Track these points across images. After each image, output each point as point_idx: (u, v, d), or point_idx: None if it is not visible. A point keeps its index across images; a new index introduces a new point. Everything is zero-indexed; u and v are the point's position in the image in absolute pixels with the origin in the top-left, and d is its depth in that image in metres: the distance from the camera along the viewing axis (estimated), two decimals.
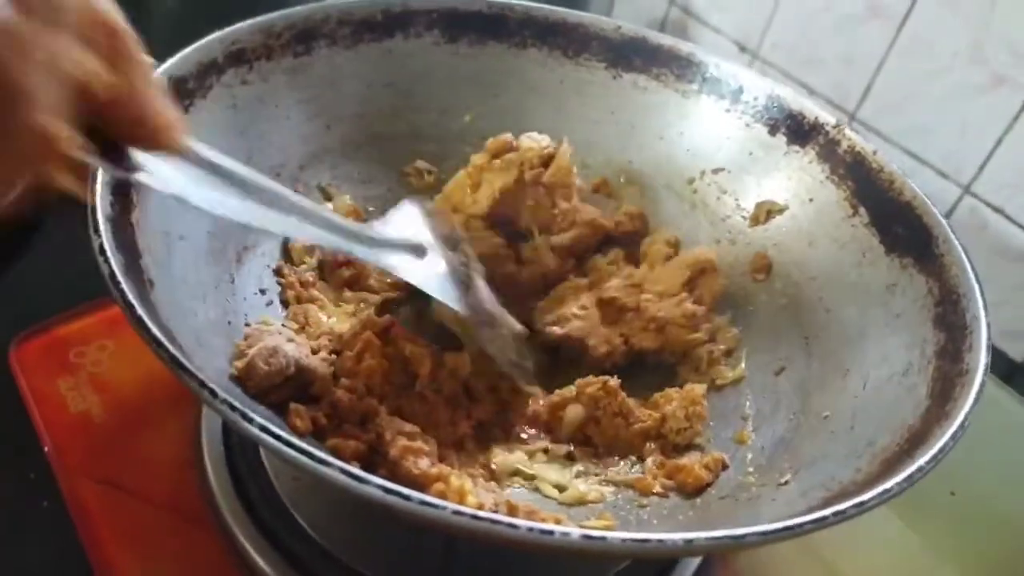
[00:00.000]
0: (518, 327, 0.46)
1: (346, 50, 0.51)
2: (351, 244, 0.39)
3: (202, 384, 0.30)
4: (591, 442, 0.45)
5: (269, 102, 0.48)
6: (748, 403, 0.46)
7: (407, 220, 0.45)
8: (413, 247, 0.43)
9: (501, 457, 0.43)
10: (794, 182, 0.51)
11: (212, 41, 0.45)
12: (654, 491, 0.41)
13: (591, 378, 0.45)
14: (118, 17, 0.28)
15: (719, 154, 0.54)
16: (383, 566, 0.43)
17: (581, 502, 0.41)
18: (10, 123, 0.23)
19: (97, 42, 0.26)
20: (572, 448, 0.45)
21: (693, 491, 0.41)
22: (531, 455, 0.43)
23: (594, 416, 0.44)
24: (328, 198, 0.52)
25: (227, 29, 0.46)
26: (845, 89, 0.76)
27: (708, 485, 0.41)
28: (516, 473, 0.42)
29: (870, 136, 0.75)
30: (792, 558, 0.49)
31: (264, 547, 0.43)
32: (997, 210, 0.68)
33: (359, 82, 0.52)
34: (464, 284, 0.45)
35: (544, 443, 0.44)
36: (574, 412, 0.44)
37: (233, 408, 0.29)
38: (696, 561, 0.46)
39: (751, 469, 0.41)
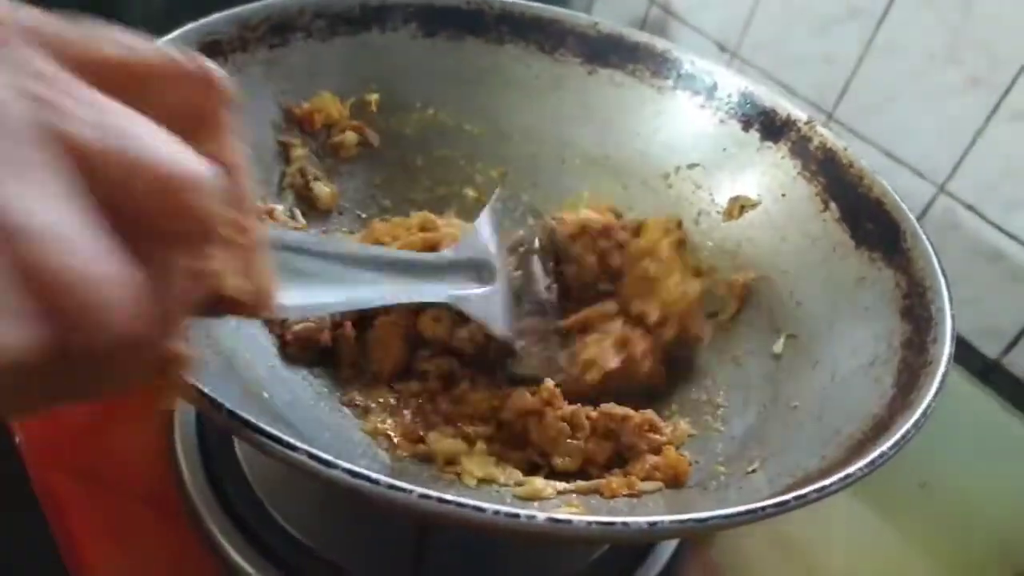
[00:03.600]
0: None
1: (322, 43, 0.51)
2: (418, 286, 0.41)
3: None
4: (528, 439, 0.43)
5: (245, 94, 0.48)
6: (721, 394, 0.46)
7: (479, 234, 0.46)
8: (478, 267, 0.45)
9: (438, 439, 0.42)
10: (767, 178, 0.51)
11: (187, 32, 0.45)
12: (623, 494, 0.40)
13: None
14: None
15: (694, 150, 0.54)
16: (356, 555, 0.43)
17: (536, 497, 0.40)
18: (130, 357, 0.19)
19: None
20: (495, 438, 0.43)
21: (676, 481, 0.41)
22: (471, 443, 0.42)
23: (540, 410, 0.42)
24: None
25: (202, 20, 0.45)
26: (823, 89, 0.77)
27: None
28: (451, 462, 0.41)
29: (847, 136, 0.75)
30: (765, 548, 0.50)
31: (238, 540, 0.43)
32: (971, 208, 0.68)
33: (335, 75, 0.52)
34: (517, 297, 0.46)
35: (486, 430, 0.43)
36: (521, 397, 0.42)
37: (202, 394, 0.29)
38: (669, 551, 0.46)
39: (721, 458, 0.41)
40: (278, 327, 0.44)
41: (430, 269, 0.43)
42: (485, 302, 0.44)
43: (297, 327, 0.44)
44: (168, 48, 0.21)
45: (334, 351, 0.45)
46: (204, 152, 0.21)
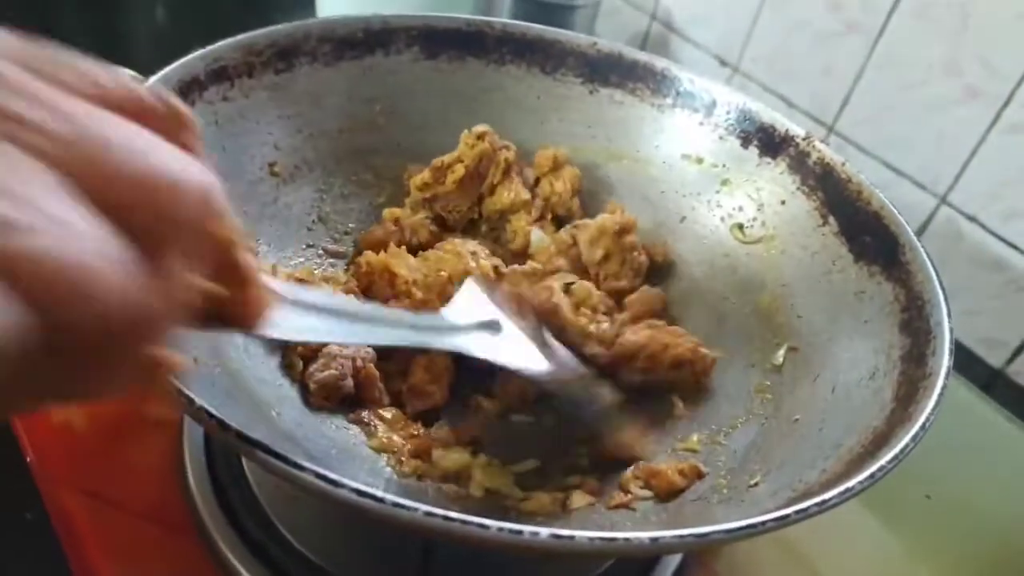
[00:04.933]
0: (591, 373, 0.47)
1: (327, 67, 0.52)
2: (427, 338, 0.40)
3: (178, 391, 0.30)
4: None
5: (251, 118, 0.49)
6: (724, 407, 0.47)
7: (472, 300, 0.44)
8: (487, 325, 0.43)
9: (443, 455, 0.43)
10: (766, 193, 0.52)
11: (194, 59, 0.46)
12: (619, 504, 0.41)
13: None
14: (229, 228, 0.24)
15: (694, 166, 0.55)
16: (364, 571, 0.43)
17: (540, 511, 0.41)
18: (121, 352, 0.19)
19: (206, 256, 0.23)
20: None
21: (667, 496, 0.42)
22: (474, 454, 0.43)
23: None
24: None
25: (209, 47, 0.46)
26: (823, 102, 0.77)
27: (682, 490, 0.42)
28: (458, 476, 0.42)
29: (848, 148, 0.76)
30: (773, 558, 0.50)
31: (246, 556, 0.43)
32: (972, 219, 0.69)
33: (341, 98, 0.53)
34: (544, 346, 0.45)
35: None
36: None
37: (211, 416, 0.30)
38: (675, 563, 0.46)
39: (723, 472, 0.42)
40: (300, 375, 0.45)
41: (438, 329, 0.42)
42: (511, 351, 0.43)
43: (320, 375, 0.44)
44: (132, 82, 0.21)
45: (358, 396, 0.45)
46: None
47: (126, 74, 0.21)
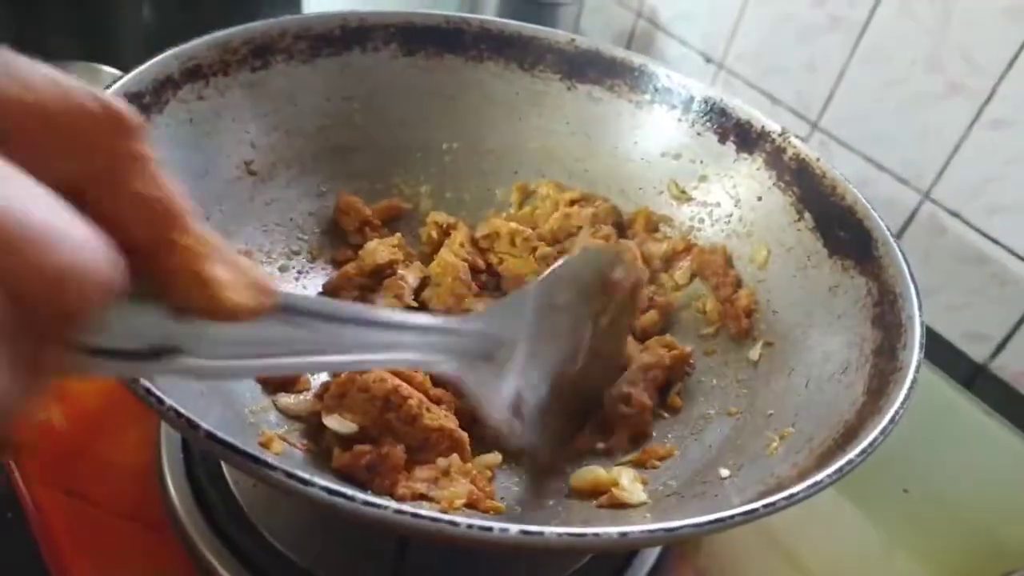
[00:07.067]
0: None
1: (304, 64, 0.52)
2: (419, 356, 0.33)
3: (148, 392, 0.30)
4: None
5: (226, 116, 0.48)
6: (700, 402, 0.47)
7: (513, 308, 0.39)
8: (489, 346, 0.36)
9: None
10: (743, 188, 0.52)
11: (168, 57, 0.45)
12: None
13: None
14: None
15: (672, 162, 0.55)
16: (341, 569, 0.43)
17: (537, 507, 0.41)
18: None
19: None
20: None
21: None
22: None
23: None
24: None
25: (183, 45, 0.46)
26: (807, 98, 0.78)
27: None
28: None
29: (832, 144, 0.76)
30: (754, 551, 0.50)
31: (224, 554, 0.43)
32: (955, 215, 0.69)
33: (317, 96, 0.53)
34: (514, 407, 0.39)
35: None
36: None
37: (179, 415, 0.30)
38: (652, 558, 0.47)
39: (699, 466, 0.42)
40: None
41: (438, 332, 0.34)
42: (486, 380, 0.37)
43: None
44: (73, 86, 0.20)
45: None
46: (130, 192, 0.20)
47: (67, 76, 0.20)
